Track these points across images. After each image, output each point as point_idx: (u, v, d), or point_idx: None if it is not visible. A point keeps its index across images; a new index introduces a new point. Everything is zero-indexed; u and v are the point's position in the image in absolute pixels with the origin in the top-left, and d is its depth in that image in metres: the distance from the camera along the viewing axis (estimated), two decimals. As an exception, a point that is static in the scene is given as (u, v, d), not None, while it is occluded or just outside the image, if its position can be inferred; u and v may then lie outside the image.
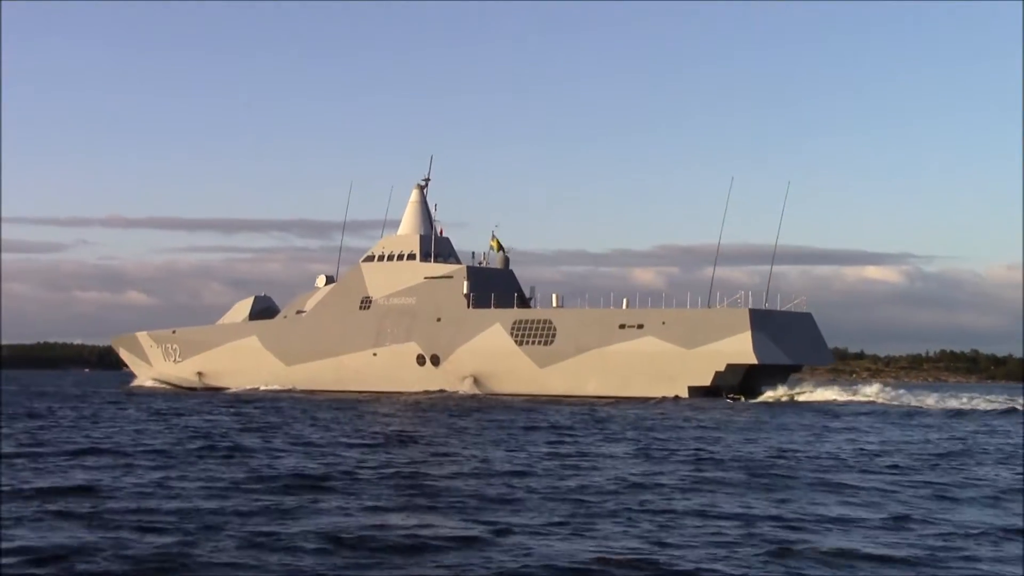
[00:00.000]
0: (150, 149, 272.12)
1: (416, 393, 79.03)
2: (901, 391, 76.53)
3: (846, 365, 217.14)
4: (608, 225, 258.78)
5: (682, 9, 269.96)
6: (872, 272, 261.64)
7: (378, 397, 75.15)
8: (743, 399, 73.63)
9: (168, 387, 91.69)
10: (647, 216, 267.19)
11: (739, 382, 75.52)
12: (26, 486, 22.83)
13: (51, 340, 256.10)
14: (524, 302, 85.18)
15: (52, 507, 20.02)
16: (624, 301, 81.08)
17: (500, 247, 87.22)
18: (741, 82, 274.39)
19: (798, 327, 78.42)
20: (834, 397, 72.52)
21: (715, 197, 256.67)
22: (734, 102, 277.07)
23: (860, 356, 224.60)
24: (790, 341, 76.93)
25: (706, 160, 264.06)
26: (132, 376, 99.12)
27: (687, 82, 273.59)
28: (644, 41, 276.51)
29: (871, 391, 74.20)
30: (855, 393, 73.82)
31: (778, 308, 79.19)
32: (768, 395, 74.13)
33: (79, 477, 24.79)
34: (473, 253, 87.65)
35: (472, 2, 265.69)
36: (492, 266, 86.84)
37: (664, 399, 72.28)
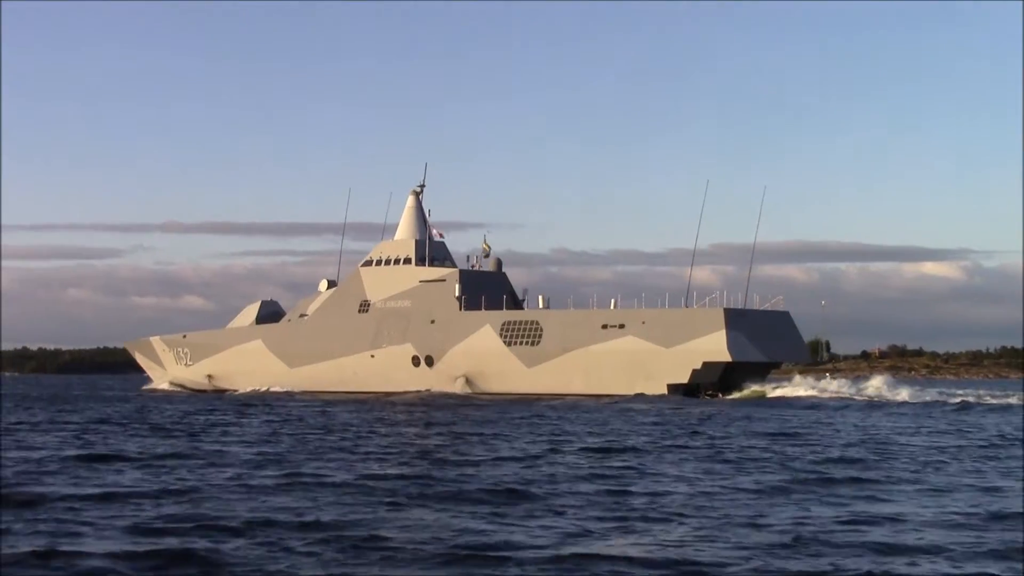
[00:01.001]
0: (204, 155, 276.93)
1: (409, 393, 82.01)
2: (897, 386, 78.29)
3: (905, 362, 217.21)
4: (664, 224, 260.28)
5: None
6: (930, 268, 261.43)
7: (385, 397, 77.70)
8: (720, 396, 76.22)
9: (182, 390, 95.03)
10: (703, 214, 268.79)
11: (718, 379, 77.77)
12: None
13: (110, 345, 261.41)
14: (517, 304, 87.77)
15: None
16: (612, 302, 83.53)
17: (488, 252, 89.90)
18: (782, 77, 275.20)
19: (774, 325, 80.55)
20: (803, 393, 74.93)
21: (770, 194, 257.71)
22: (775, 97, 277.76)
23: (919, 353, 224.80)
24: (766, 339, 79.07)
25: (755, 158, 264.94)
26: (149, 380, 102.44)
27: (723, 81, 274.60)
28: (679, 36, 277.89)
29: (867, 385, 77.10)
30: (822, 391, 76.23)
31: (757, 308, 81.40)
32: (747, 391, 76.49)
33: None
34: (468, 256, 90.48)
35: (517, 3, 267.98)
36: (485, 269, 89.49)
37: (640, 395, 74.81)
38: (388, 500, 21.73)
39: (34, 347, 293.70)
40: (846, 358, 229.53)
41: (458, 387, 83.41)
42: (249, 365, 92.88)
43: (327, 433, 40.37)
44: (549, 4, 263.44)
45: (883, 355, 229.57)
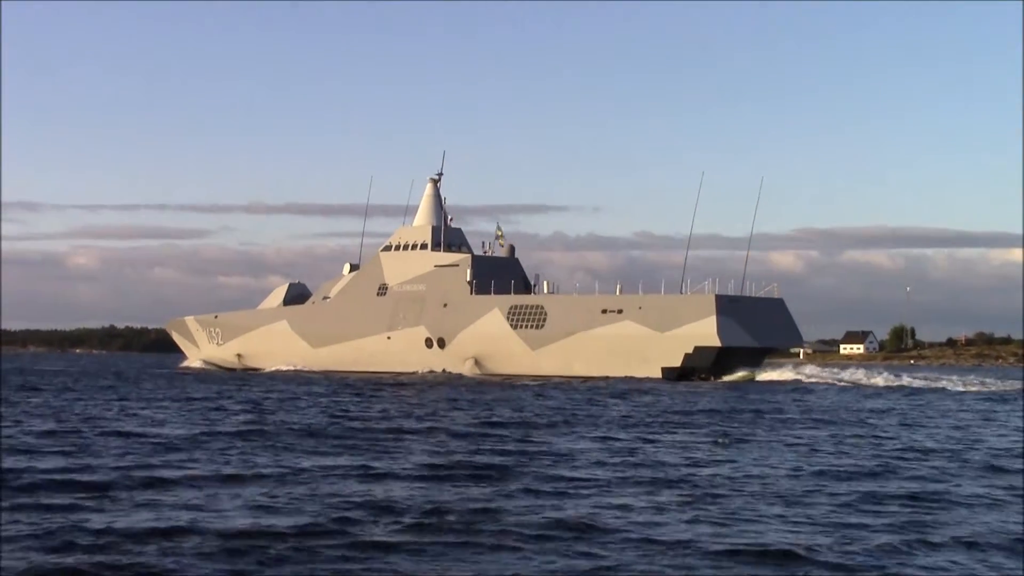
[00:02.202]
0: (287, 137, 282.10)
1: (423, 373, 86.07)
2: (885, 373, 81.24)
3: (992, 350, 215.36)
4: (746, 208, 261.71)
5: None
6: (1020, 255, 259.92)
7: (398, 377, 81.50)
8: (712, 379, 79.40)
9: (214, 368, 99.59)
10: (785, 198, 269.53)
11: (712, 364, 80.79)
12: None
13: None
14: (528, 289, 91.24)
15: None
16: (618, 287, 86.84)
17: (502, 238, 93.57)
18: (851, 56, 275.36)
19: (767, 312, 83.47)
20: (786, 377, 78.08)
21: (856, 178, 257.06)
22: (842, 77, 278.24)
23: (1007, 341, 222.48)
24: (758, 325, 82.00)
25: (842, 141, 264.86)
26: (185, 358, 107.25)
27: (806, 64, 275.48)
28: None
29: (846, 373, 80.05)
30: (801, 373, 79.34)
31: (753, 294, 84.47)
32: (736, 375, 79.63)
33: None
34: (483, 243, 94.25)
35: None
36: (498, 255, 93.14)
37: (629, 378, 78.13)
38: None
39: (121, 326, 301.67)
40: (931, 345, 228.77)
41: (467, 368, 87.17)
42: (275, 345, 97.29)
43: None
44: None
45: (969, 343, 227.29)
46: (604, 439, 31.20)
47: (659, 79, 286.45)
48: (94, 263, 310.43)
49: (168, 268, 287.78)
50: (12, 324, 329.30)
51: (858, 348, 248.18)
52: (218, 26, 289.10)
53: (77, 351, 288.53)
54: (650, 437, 32.09)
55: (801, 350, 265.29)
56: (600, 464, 25.01)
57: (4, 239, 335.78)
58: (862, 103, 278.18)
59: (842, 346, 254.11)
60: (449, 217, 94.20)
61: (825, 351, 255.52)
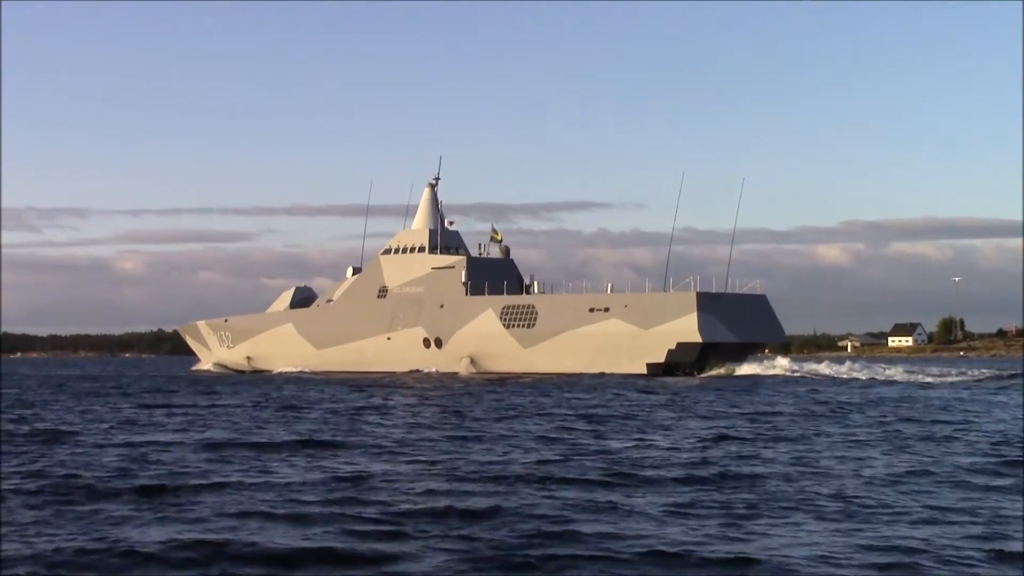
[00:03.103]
0: (328, 138, 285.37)
1: (420, 373, 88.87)
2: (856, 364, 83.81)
3: None
4: (792, 201, 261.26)
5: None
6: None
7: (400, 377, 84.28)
8: (695, 374, 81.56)
9: (226, 371, 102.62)
10: (833, 191, 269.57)
11: (695, 359, 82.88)
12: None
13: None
14: (524, 289, 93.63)
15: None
16: (609, 286, 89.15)
17: (499, 240, 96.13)
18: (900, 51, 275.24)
19: (749, 308, 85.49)
20: (763, 371, 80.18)
21: (901, 169, 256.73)
22: (886, 74, 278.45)
23: None
24: (739, 321, 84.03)
25: (886, 131, 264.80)
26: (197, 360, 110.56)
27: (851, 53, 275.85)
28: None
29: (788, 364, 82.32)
30: (772, 367, 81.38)
31: (737, 291, 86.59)
32: (718, 371, 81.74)
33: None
34: (480, 244, 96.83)
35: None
36: (493, 256, 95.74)
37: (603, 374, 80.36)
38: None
39: (169, 329, 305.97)
40: (981, 337, 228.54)
41: (463, 367, 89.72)
42: (282, 347, 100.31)
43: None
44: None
45: (1020, 333, 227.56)
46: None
47: (699, 74, 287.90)
48: (140, 267, 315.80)
49: (213, 271, 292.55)
50: (63, 329, 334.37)
51: (907, 340, 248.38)
52: (251, 28, 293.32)
53: (126, 355, 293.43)
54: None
55: (848, 343, 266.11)
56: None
57: (53, 245, 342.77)
58: (904, 93, 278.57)
59: (890, 339, 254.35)
60: (448, 220, 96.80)
61: (873, 344, 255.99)
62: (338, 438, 31.30)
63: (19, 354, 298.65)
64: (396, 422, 37.66)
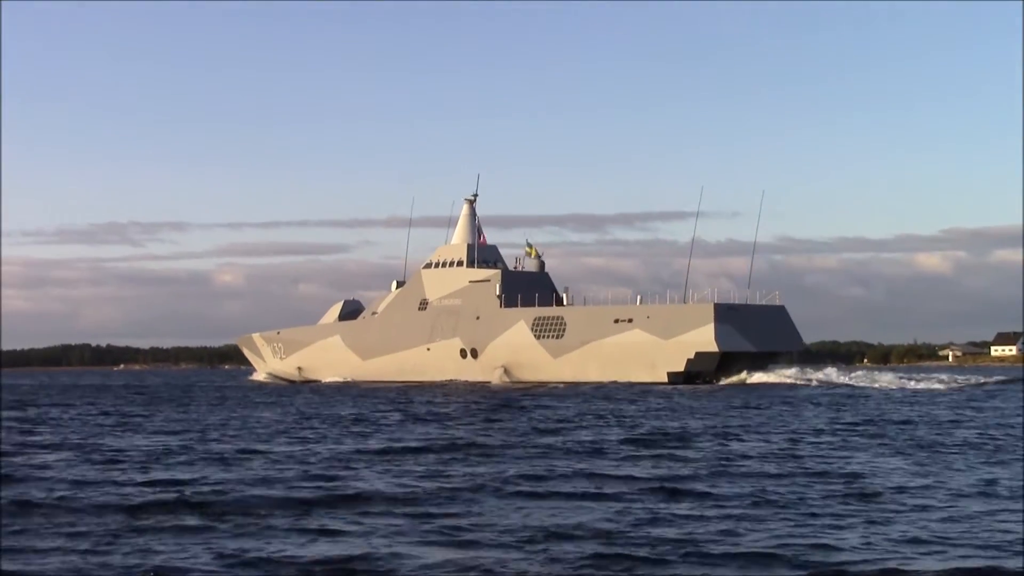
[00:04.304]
0: (423, 150, 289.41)
1: (458, 381, 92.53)
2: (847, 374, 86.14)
3: None
4: (890, 209, 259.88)
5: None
6: None
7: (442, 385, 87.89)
8: (714, 382, 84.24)
9: (281, 381, 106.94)
10: (932, 198, 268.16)
11: (715, 368, 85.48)
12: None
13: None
14: (558, 301, 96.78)
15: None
16: (639, 298, 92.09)
17: (537, 254, 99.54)
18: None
19: (767, 318, 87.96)
20: (775, 380, 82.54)
21: (1003, 176, 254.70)
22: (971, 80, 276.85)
23: None
24: (757, 331, 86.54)
25: (985, 139, 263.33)
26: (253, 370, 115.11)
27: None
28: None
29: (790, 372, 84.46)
30: (779, 375, 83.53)
31: (756, 302, 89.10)
32: (732, 379, 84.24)
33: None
34: (516, 258, 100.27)
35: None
36: (528, 269, 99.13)
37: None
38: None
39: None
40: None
41: (496, 377, 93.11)
42: (330, 358, 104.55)
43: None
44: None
45: None
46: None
47: (794, 83, 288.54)
48: (239, 280, 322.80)
49: (312, 283, 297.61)
50: (164, 341, 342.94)
51: (1010, 349, 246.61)
52: (352, 43, 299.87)
53: (226, 367, 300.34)
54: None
55: (949, 352, 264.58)
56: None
57: (154, 259, 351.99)
58: (1006, 98, 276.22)
59: (993, 348, 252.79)
60: (481, 236, 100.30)
61: (975, 353, 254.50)
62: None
63: (122, 366, 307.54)
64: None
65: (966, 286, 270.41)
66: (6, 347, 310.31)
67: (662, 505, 20.43)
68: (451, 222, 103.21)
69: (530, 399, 61.79)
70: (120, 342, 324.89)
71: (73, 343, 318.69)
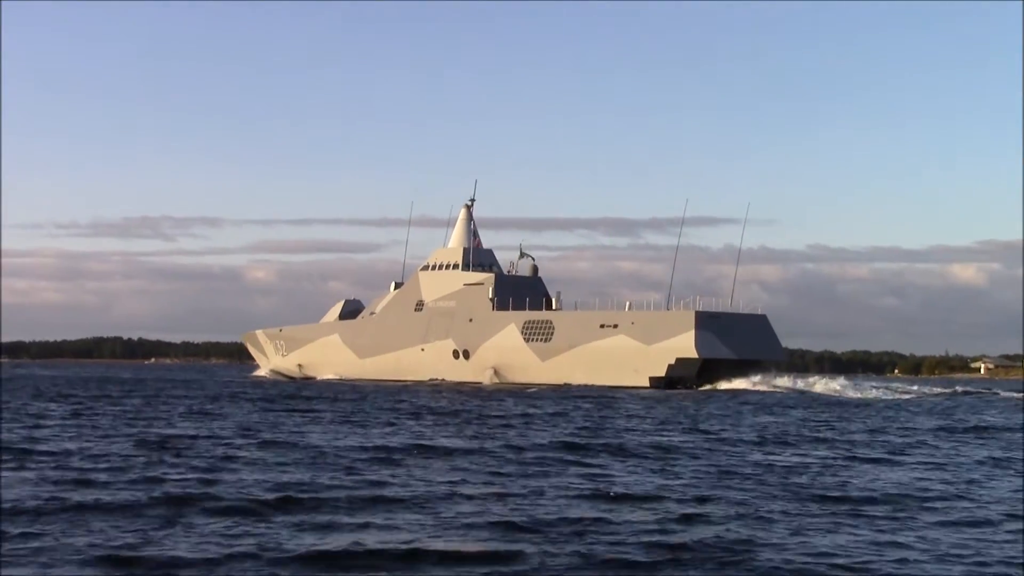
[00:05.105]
0: (451, 149, 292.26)
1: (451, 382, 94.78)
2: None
3: None
4: (925, 219, 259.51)
5: None
6: None
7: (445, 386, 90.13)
8: (694, 388, 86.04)
9: (282, 377, 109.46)
10: (967, 210, 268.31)
11: (696, 374, 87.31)
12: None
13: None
14: (550, 305, 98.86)
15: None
16: (628, 304, 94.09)
17: (525, 255, 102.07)
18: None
19: (748, 327, 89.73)
20: (745, 386, 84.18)
21: None
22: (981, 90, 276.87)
23: None
24: (738, 339, 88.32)
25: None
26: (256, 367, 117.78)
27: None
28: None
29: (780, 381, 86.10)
30: (754, 384, 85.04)
31: (740, 311, 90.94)
32: (707, 386, 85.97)
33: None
34: (511, 262, 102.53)
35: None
36: (521, 274, 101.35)
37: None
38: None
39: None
40: None
41: (486, 378, 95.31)
42: (329, 356, 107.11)
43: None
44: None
45: None
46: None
47: (828, 90, 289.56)
48: (271, 277, 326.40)
49: (343, 281, 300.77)
50: (195, 336, 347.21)
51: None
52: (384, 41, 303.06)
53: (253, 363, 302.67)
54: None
55: (982, 364, 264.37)
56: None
57: (187, 254, 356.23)
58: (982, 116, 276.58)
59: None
60: (477, 239, 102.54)
61: (1008, 366, 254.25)
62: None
63: (153, 359, 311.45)
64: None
65: (1000, 298, 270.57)
66: (38, 338, 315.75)
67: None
68: (450, 222, 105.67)
69: (496, 401, 63.80)
70: (152, 336, 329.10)
71: (105, 336, 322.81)
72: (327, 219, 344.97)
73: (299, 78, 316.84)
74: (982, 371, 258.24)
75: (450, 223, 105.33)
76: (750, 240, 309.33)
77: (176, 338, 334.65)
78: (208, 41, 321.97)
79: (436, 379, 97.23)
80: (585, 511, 19.77)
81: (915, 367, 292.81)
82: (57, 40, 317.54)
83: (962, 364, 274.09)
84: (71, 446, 30.22)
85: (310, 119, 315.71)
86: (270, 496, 20.73)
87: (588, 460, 28.70)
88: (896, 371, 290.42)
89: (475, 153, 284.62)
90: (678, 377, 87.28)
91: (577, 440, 34.62)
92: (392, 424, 41.53)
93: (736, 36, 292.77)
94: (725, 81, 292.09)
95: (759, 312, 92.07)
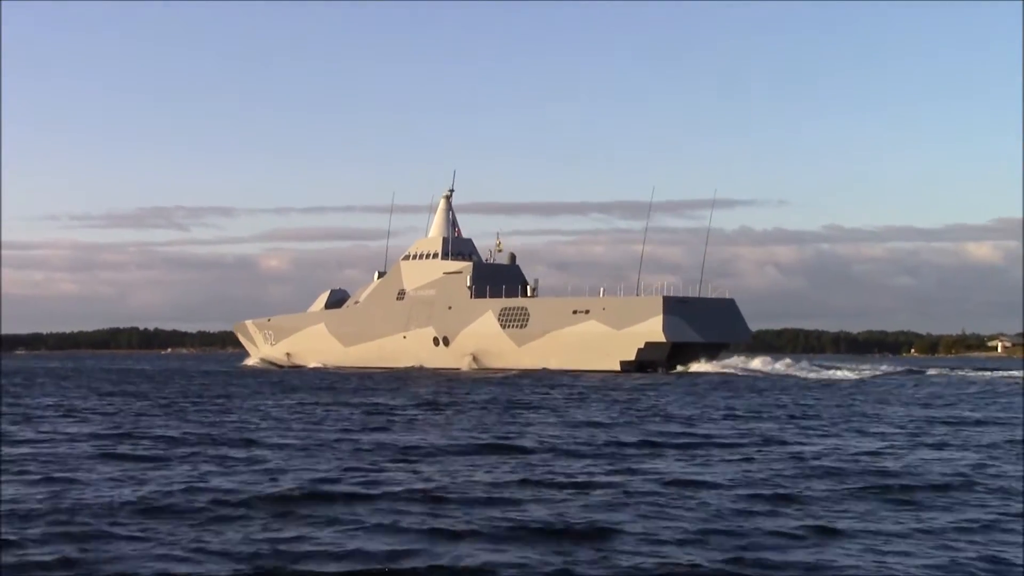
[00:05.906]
0: (467, 136, 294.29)
1: (433, 369, 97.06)
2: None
3: None
4: (941, 198, 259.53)
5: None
6: None
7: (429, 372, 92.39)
8: (662, 371, 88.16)
9: (272, 366, 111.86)
10: (984, 188, 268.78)
11: (666, 357, 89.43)
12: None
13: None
14: (525, 292, 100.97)
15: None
16: (601, 291, 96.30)
17: (500, 248, 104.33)
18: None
19: (716, 311, 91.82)
20: (709, 369, 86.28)
21: None
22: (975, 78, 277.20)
23: None
24: (705, 323, 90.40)
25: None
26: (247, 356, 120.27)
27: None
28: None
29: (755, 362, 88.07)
30: (723, 366, 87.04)
31: (709, 295, 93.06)
32: (679, 369, 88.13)
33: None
34: (489, 251, 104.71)
35: None
36: (500, 262, 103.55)
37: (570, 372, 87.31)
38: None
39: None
40: None
41: (465, 364, 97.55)
42: (315, 344, 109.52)
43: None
44: None
45: None
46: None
47: (842, 71, 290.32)
48: (285, 265, 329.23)
49: (357, 269, 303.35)
50: (211, 326, 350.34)
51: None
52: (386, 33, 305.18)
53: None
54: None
55: (999, 343, 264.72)
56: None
57: (200, 243, 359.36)
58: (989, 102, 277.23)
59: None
60: (456, 229, 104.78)
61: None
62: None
63: (170, 349, 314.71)
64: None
65: (1017, 276, 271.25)
66: (54, 330, 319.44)
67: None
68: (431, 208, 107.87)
69: (463, 388, 65.87)
70: (167, 326, 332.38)
71: (122, 327, 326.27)
72: (340, 206, 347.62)
73: (310, 68, 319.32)
74: (999, 349, 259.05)
75: (431, 209, 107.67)
76: (764, 221, 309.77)
77: (192, 327, 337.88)
78: (219, 35, 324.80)
79: (416, 366, 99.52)
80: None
81: (932, 346, 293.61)
82: (70, 34, 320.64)
83: (979, 343, 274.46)
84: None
85: (321, 107, 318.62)
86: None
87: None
88: (912, 351, 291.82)
89: (473, 149, 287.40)
90: (648, 361, 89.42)
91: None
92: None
93: (743, 18, 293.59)
94: (735, 64, 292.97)
95: (727, 296, 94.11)
